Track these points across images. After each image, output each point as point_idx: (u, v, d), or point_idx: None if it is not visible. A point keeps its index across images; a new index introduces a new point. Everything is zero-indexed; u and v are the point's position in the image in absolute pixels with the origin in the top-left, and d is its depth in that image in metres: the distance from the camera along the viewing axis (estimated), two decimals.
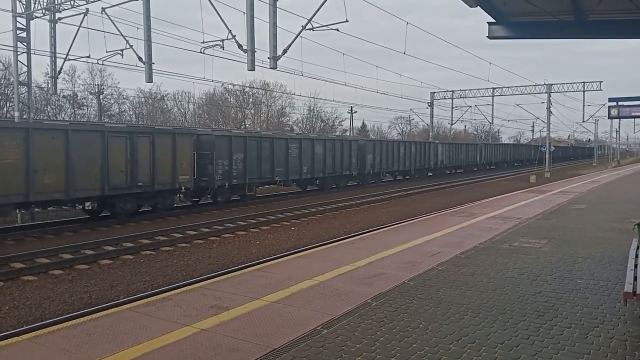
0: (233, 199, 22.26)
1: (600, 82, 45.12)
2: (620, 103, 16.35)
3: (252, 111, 68.87)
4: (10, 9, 19.91)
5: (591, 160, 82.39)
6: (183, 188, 19.04)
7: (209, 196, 21.04)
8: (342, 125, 76.03)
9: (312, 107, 70.66)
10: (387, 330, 5.26)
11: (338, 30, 18.26)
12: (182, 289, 7.11)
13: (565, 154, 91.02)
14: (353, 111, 65.05)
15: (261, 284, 7.04)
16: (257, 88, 62.89)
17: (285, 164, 24.73)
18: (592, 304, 6.05)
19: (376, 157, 33.60)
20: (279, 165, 24.31)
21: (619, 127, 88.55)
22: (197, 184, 19.98)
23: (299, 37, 17.91)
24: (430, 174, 42.60)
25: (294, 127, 69.30)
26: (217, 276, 8.48)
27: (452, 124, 57.74)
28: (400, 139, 50.19)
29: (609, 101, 17.01)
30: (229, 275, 7.93)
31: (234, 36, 17.50)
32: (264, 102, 68.66)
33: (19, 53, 20.10)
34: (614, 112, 16.62)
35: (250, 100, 67.69)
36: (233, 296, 6.49)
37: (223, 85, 59.44)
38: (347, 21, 17.64)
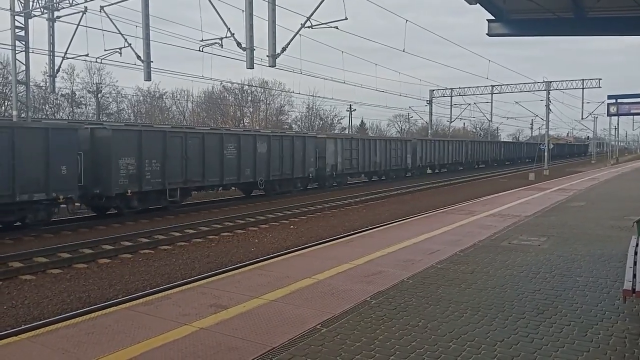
0: None
1: (599, 79, 45.31)
2: (619, 100, 16.39)
3: (251, 109, 68.88)
4: (9, 8, 19.86)
5: (589, 158, 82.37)
6: None
7: None
8: (340, 123, 76.10)
9: (311, 105, 70.71)
10: (387, 328, 5.25)
11: (337, 28, 18.28)
12: (180, 288, 7.10)
13: (560, 151, 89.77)
14: (352, 109, 65.17)
15: (260, 283, 7.02)
16: (255, 86, 62.90)
17: None
18: (592, 302, 6.04)
19: (171, 161, 18.42)
20: None
21: (618, 124, 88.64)
22: None
23: (298, 35, 17.91)
24: (310, 185, 28.46)
25: (293, 125, 69.34)
26: (216, 275, 8.47)
27: (451, 122, 57.86)
28: (229, 129, 27.42)
29: (608, 98, 17.07)
30: (228, 274, 7.91)
31: (232, 34, 17.50)
32: (262, 100, 68.66)
33: (17, 52, 20.07)
34: (613, 109, 16.65)
35: (249, 98, 67.70)
36: (232, 295, 6.47)
37: (222, 83, 59.54)
38: (346, 19, 17.64)
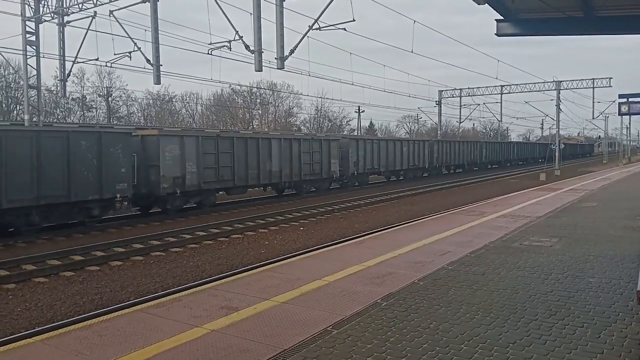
0: None
1: (610, 78, 44.89)
2: (630, 99, 16.22)
3: (260, 112, 69.08)
4: (20, 13, 20.09)
5: (598, 158, 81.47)
6: None
7: None
8: (349, 124, 76.08)
9: (319, 107, 70.80)
10: (398, 330, 5.24)
11: (345, 30, 18.29)
12: (192, 290, 7.13)
13: (562, 152, 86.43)
14: (360, 110, 65.14)
15: (271, 285, 7.04)
16: (264, 88, 63.12)
17: None
18: (605, 303, 5.99)
19: None
20: None
21: (630, 123, 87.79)
22: None
23: (305, 37, 17.94)
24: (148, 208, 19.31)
25: (302, 127, 69.45)
26: (227, 277, 8.50)
27: (460, 122, 57.63)
28: None
29: (619, 97, 16.90)
30: (239, 275, 7.94)
31: (241, 37, 17.57)
32: (271, 103, 68.89)
33: (28, 57, 20.30)
34: (624, 108, 16.48)
35: (258, 100, 67.94)
36: (243, 297, 6.49)
37: (230, 86, 59.71)
38: (353, 20, 17.66)
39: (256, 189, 24.45)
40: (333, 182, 29.19)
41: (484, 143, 54.75)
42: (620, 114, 16.63)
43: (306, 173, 25.59)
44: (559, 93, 47.94)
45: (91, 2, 19.95)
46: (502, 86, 49.23)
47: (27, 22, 20.25)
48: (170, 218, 18.16)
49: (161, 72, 19.74)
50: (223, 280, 7.69)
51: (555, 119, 49.67)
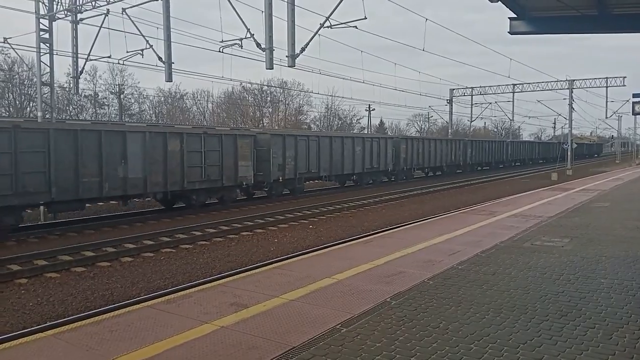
0: None
1: (624, 77, 44.40)
2: None
3: (270, 110, 69.15)
4: (34, 11, 20.26)
5: (608, 158, 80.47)
6: None
7: None
8: (359, 123, 75.93)
9: (329, 105, 70.73)
10: (407, 329, 5.22)
11: (356, 28, 18.24)
12: (201, 287, 7.16)
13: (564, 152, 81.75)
14: (371, 109, 64.98)
15: (280, 282, 7.05)
16: (275, 86, 63.12)
17: None
18: (617, 304, 5.93)
19: None
20: None
21: None
22: None
23: (317, 35, 17.91)
24: None
25: (312, 125, 69.45)
26: (237, 274, 8.51)
27: (471, 121, 57.30)
28: None
29: (633, 97, 16.75)
30: (248, 273, 7.96)
31: (252, 35, 17.58)
32: (281, 101, 68.91)
33: (41, 54, 20.44)
34: (638, 107, 16.32)
35: (268, 98, 68.00)
36: (252, 294, 6.51)
37: (241, 84, 59.86)
38: (365, 18, 17.60)
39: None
40: (258, 191, 23.52)
41: (469, 142, 46.76)
42: (634, 113, 16.48)
43: (194, 180, 18.83)
44: (572, 92, 47.48)
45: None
46: (514, 85, 48.88)
47: (41, 20, 20.38)
48: (181, 215, 18.22)
49: (173, 70, 19.79)
50: (232, 277, 7.71)
51: (567, 118, 49.22)
